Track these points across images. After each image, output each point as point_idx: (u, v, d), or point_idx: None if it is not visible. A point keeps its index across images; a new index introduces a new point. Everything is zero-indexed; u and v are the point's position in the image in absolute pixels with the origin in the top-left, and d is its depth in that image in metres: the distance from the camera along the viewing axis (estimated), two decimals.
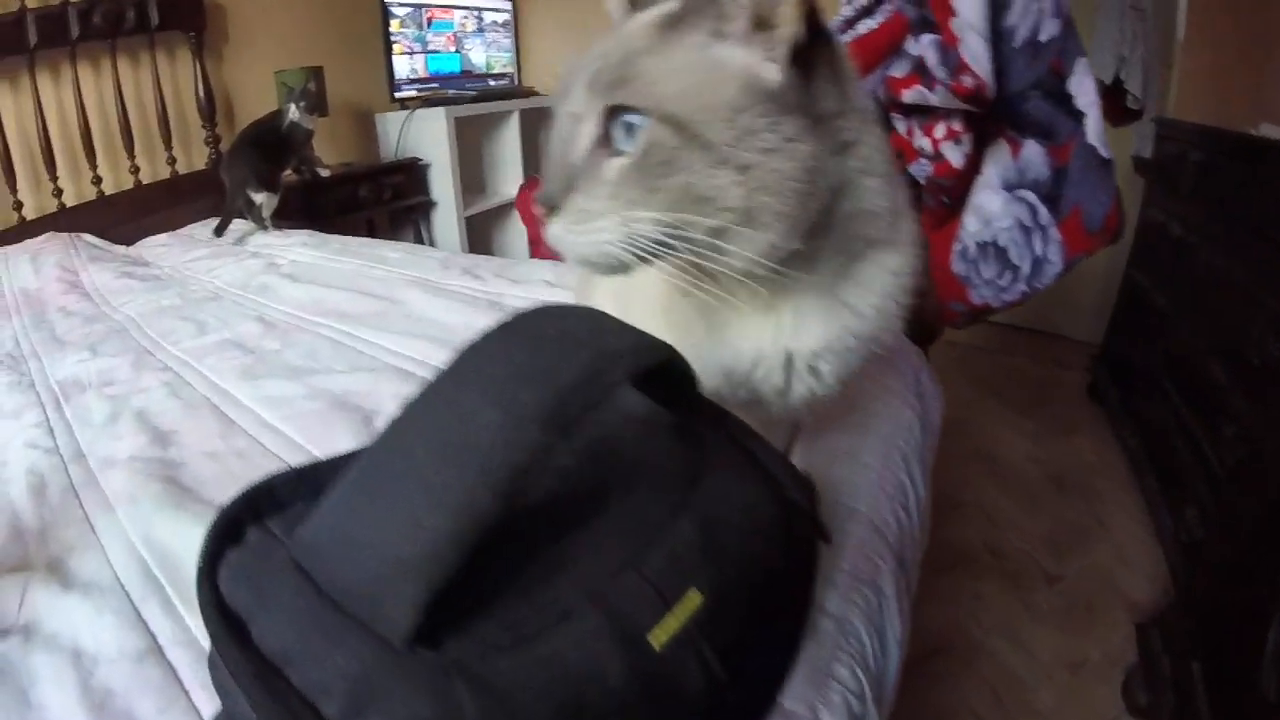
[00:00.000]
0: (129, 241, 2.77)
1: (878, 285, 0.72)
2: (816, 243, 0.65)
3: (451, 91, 3.98)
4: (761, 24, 0.59)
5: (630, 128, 0.60)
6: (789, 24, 0.58)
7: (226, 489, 1.07)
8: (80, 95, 2.77)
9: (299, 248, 2.50)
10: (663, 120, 0.58)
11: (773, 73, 0.59)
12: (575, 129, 0.63)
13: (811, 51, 0.60)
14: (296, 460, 1.15)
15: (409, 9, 3.82)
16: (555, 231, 0.63)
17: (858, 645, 0.83)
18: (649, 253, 0.61)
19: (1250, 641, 1.31)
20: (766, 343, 0.74)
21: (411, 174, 3.77)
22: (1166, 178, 2.49)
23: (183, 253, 2.55)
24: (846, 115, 0.64)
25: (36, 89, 2.67)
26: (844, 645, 0.81)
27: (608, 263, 0.63)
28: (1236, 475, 1.68)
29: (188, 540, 0.95)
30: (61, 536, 1.02)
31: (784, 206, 0.60)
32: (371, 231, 3.71)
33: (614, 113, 0.61)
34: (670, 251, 0.61)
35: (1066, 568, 2.12)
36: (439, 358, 1.50)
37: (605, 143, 0.61)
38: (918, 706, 1.61)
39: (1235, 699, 1.34)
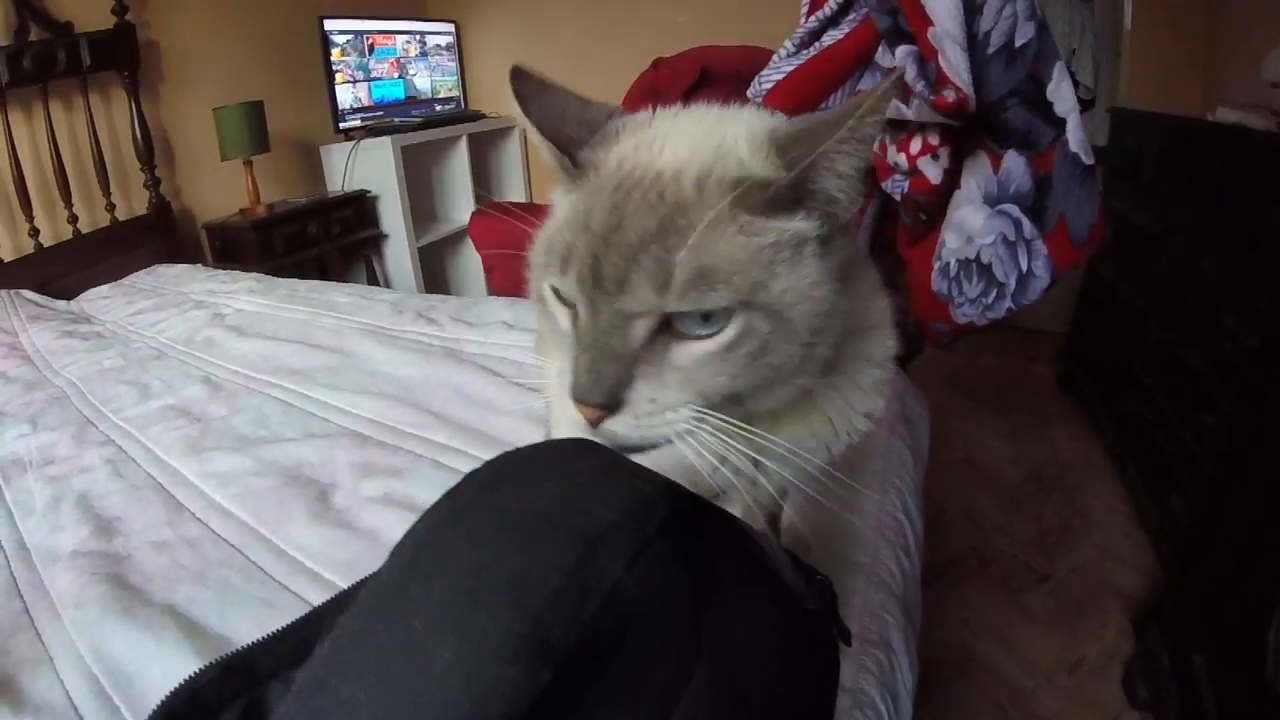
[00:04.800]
0: (70, 295, 2.69)
1: (856, 379, 0.69)
2: None
3: (397, 119, 3.93)
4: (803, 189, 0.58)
5: (708, 315, 0.56)
6: (860, 199, 0.59)
7: (176, 585, 1.03)
8: (12, 143, 2.68)
9: (245, 295, 2.43)
10: (755, 309, 0.55)
11: (821, 229, 0.59)
12: (626, 323, 0.56)
13: None
14: (249, 548, 1.11)
15: (349, 36, 3.76)
16: (617, 428, 0.57)
17: (874, 715, 0.82)
18: (707, 437, 0.58)
19: (1253, 633, 1.32)
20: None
21: (360, 207, 3.70)
22: (1126, 166, 2.52)
23: (125, 305, 2.48)
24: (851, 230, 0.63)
25: None
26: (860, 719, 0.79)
27: (655, 445, 0.59)
28: (1227, 464, 1.69)
29: (139, 653, 0.92)
30: (9, 646, 0.97)
31: (830, 351, 0.61)
32: (322, 268, 3.65)
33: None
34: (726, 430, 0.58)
35: (1054, 566, 2.13)
36: (395, 417, 1.47)
37: (666, 328, 0.57)
38: None
39: (1240, 690, 1.35)
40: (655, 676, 0.47)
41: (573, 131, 0.65)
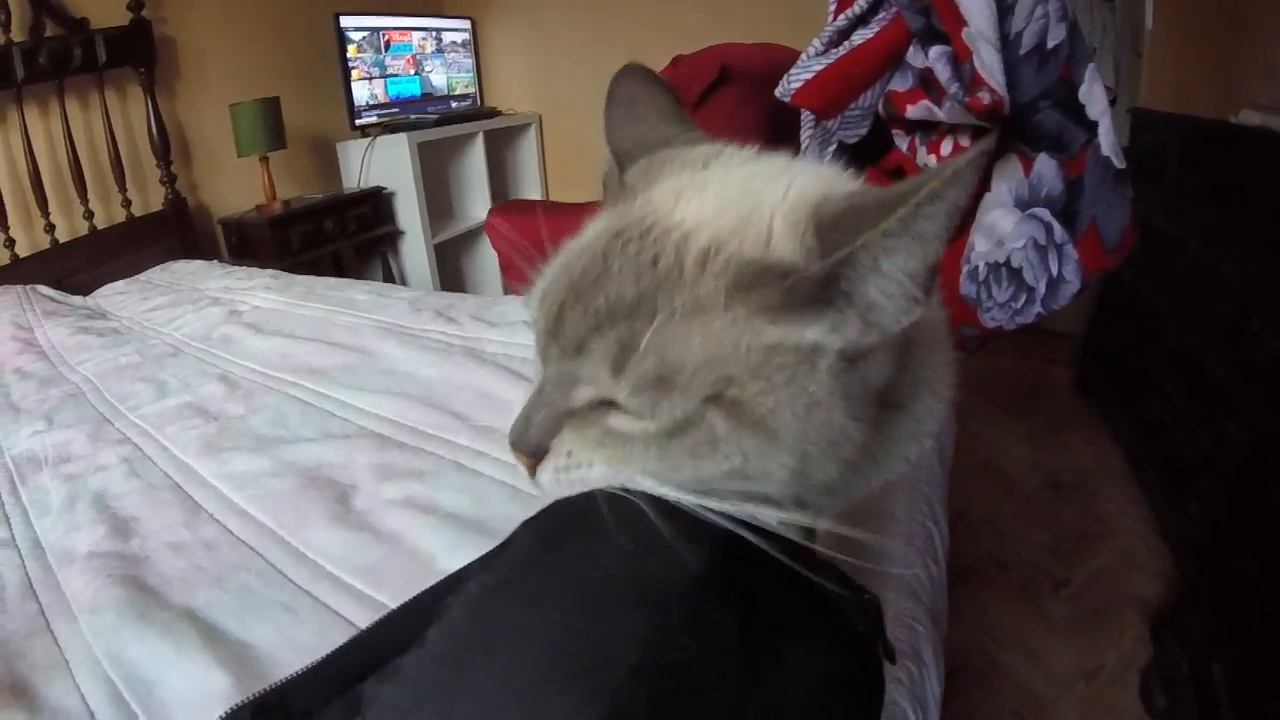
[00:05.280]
0: (86, 290, 2.68)
1: (895, 428, 0.58)
2: None
3: (413, 116, 3.92)
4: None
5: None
6: (915, 310, 0.46)
7: (194, 588, 1.02)
8: (29, 140, 2.67)
9: (262, 291, 2.41)
10: (716, 406, 0.45)
11: (872, 342, 0.47)
12: (571, 385, 0.49)
13: None
14: (268, 551, 1.08)
15: (366, 33, 3.75)
16: (541, 479, 0.50)
17: None
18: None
19: (1273, 641, 1.31)
20: None
21: (376, 204, 3.69)
22: (1147, 168, 2.47)
23: (141, 301, 2.47)
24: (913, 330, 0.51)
25: None
26: None
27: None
28: (1248, 470, 1.66)
29: (158, 659, 0.89)
30: (24, 650, 0.95)
31: (842, 454, 0.48)
32: (338, 265, 3.64)
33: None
34: None
35: (1073, 573, 2.10)
36: (416, 418, 1.44)
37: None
38: None
39: (1260, 700, 1.33)
40: (712, 703, 0.43)
41: (634, 148, 0.58)
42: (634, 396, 0.45)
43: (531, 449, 0.50)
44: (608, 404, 0.48)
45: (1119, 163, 1.36)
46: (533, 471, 0.51)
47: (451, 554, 1.02)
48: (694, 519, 0.47)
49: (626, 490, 0.49)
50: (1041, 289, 1.47)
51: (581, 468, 0.49)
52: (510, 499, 1.15)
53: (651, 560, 0.44)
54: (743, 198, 0.49)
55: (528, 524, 0.48)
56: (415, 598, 0.59)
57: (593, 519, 0.47)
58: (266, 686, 0.56)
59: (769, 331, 0.45)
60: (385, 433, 1.41)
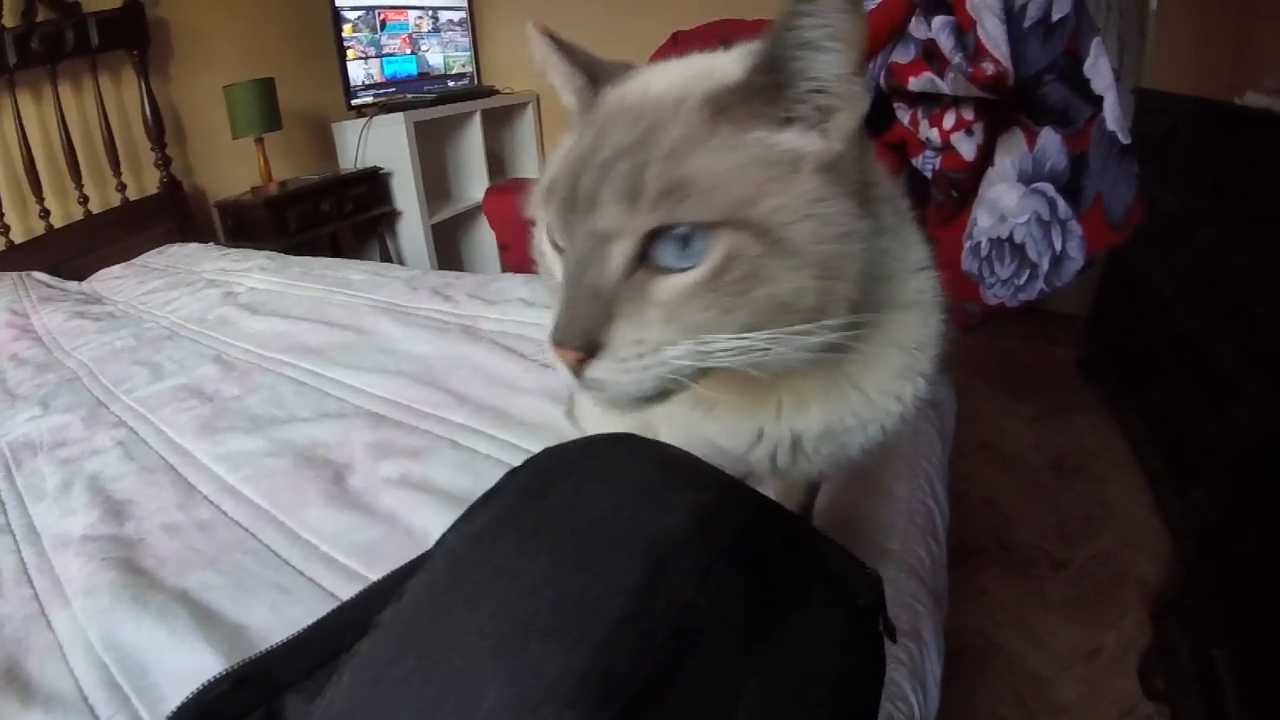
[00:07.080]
0: (82, 275, 2.67)
1: (883, 360, 0.62)
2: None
3: (409, 95, 3.89)
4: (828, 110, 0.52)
5: (685, 240, 0.49)
6: (859, 105, 0.52)
7: (189, 570, 1.01)
8: (21, 125, 2.66)
9: (257, 273, 2.40)
10: (740, 229, 0.48)
11: (837, 149, 0.52)
12: (600, 249, 0.51)
13: None
14: (263, 532, 1.08)
15: (361, 12, 3.71)
16: (601, 375, 0.50)
17: (905, 708, 0.79)
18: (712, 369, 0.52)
19: (1276, 627, 1.30)
20: (769, 422, 0.64)
21: (373, 184, 3.67)
22: (1153, 149, 2.45)
23: (138, 285, 2.45)
24: (873, 174, 0.57)
25: None
26: (894, 713, 0.77)
27: (660, 396, 0.52)
28: (1253, 456, 1.64)
29: (152, 642, 0.88)
30: (18, 635, 0.95)
31: (850, 291, 0.52)
32: (335, 246, 3.62)
33: (664, 229, 0.50)
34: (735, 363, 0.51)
35: (1074, 554, 2.09)
36: (412, 396, 1.43)
37: (645, 259, 0.51)
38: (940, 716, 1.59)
39: (1262, 684, 1.32)
40: (714, 686, 0.42)
41: (598, 72, 0.63)
42: (651, 213, 0.49)
43: (581, 341, 0.50)
44: (649, 272, 0.50)
45: (1124, 138, 1.36)
46: (578, 369, 0.50)
47: None
48: (694, 470, 0.48)
49: (627, 436, 0.52)
50: (1045, 265, 1.47)
51: (662, 349, 0.50)
52: None
53: (646, 508, 0.43)
54: (701, 63, 0.58)
55: (511, 474, 0.47)
56: (402, 566, 0.59)
57: (580, 466, 0.47)
58: (248, 657, 0.55)
59: (749, 143, 0.51)
60: (381, 411, 1.40)
